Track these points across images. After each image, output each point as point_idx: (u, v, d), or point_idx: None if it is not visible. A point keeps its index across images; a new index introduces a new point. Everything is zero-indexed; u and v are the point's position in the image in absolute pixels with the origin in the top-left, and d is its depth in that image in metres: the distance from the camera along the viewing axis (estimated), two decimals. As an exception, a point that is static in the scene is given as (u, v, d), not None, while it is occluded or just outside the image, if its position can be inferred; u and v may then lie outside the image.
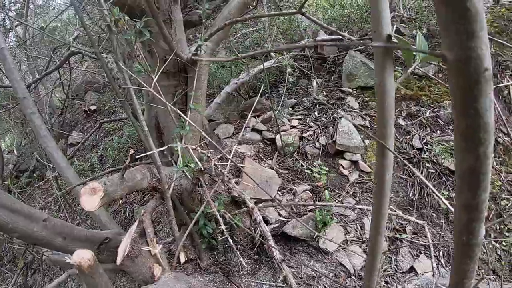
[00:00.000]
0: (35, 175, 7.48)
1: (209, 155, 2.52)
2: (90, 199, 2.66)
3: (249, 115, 2.98)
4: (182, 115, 2.07)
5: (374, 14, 0.93)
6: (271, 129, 4.11)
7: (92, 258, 1.34)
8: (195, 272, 3.60)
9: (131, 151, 2.76)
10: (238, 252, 2.55)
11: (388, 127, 1.02)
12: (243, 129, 3.13)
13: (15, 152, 8.91)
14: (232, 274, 3.50)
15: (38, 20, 9.18)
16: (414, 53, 1.03)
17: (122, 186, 2.88)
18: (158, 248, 2.72)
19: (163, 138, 3.81)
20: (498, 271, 3.94)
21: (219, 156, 2.99)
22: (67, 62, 6.42)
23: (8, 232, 2.52)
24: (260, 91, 3.85)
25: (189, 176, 3.15)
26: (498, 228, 4.15)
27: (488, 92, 0.63)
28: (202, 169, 2.79)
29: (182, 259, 3.03)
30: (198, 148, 2.54)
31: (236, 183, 3.60)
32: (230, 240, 2.63)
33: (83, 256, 1.33)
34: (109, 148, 5.97)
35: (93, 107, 8.37)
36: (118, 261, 2.99)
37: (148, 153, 2.57)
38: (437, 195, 1.33)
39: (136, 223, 3.37)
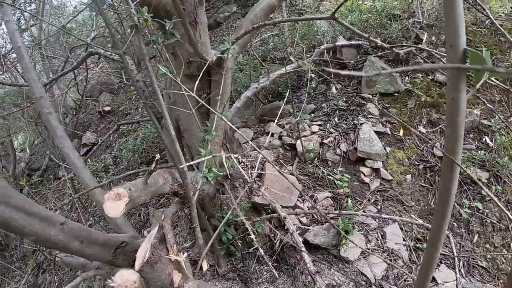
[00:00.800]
0: (47, 174, 7.52)
1: (241, 159, 2.50)
2: (115, 205, 2.63)
3: (275, 121, 2.95)
4: (221, 117, 2.04)
5: (450, 28, 0.90)
6: (290, 134, 4.07)
7: (138, 280, 1.31)
8: (213, 278, 3.57)
9: (157, 156, 2.75)
10: (265, 257, 2.51)
11: (458, 143, 1.00)
12: (269, 135, 3.10)
13: (28, 150, 8.98)
14: (250, 281, 3.47)
15: (54, 21, 9.25)
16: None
17: (145, 191, 2.86)
18: (183, 257, 2.69)
19: (183, 141, 3.79)
20: None
21: (242, 160, 2.97)
22: (84, 62, 6.45)
23: (24, 236, 2.50)
24: (286, 97, 3.82)
25: (212, 182, 3.12)
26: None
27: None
28: (228, 174, 2.76)
29: (205, 267, 3.00)
30: (229, 154, 2.51)
31: (264, 189, 3.57)
32: (261, 251, 2.60)
33: (127, 278, 1.30)
34: (124, 150, 5.97)
35: (107, 108, 8.40)
36: (137, 267, 2.96)
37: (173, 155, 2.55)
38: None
39: (156, 228, 3.34)
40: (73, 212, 6.02)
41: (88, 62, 8.61)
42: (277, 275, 2.72)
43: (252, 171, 2.70)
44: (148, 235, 3.24)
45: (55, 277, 5.38)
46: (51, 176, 7.30)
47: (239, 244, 3.43)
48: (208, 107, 2.54)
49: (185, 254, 2.84)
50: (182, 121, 3.65)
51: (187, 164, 3.35)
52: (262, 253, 2.46)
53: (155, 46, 3.22)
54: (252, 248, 3.27)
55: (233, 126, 2.77)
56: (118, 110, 7.96)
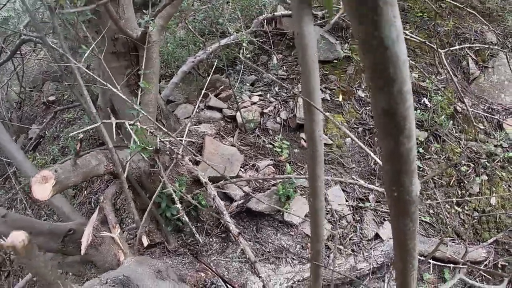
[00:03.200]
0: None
1: (158, 133, 2.46)
2: (42, 188, 2.55)
3: (202, 93, 2.92)
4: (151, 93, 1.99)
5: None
6: (231, 106, 4.06)
7: (27, 239, 1.29)
8: (163, 255, 3.56)
9: (80, 135, 2.66)
10: (193, 229, 2.52)
11: (312, 81, 0.98)
12: (196, 106, 3.07)
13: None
14: (200, 254, 3.49)
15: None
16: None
17: (75, 172, 2.78)
18: (116, 232, 2.66)
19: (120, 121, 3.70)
20: (463, 235, 4.11)
21: (174, 134, 2.93)
22: (19, 51, 6.11)
23: None
24: (214, 69, 3.77)
25: (145, 158, 3.08)
26: (459, 193, 4.31)
27: (393, 19, 0.54)
28: (156, 148, 2.73)
29: (145, 242, 2.98)
30: (149, 128, 2.48)
31: (197, 163, 3.56)
32: (186, 218, 2.61)
33: (17, 237, 1.27)
34: (69, 139, 5.77)
35: (51, 98, 8.02)
36: (82, 251, 2.92)
37: (93, 125, 2.47)
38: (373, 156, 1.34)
39: (96, 211, 3.29)
40: (27, 210, 5.79)
41: (25, 50, 8.17)
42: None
43: (181, 143, 2.67)
44: (90, 218, 3.18)
45: (20, 279, 5.19)
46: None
47: (185, 219, 3.42)
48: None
49: (118, 230, 2.81)
50: (115, 101, 3.55)
51: (122, 145, 3.28)
52: (187, 219, 2.46)
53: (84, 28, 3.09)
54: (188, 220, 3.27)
55: (161, 101, 2.72)
56: (63, 98, 7.63)
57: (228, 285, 3.29)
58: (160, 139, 2.73)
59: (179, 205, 2.35)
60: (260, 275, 2.15)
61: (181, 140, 2.48)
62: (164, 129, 2.48)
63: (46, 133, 7.04)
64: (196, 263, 3.49)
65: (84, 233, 2.85)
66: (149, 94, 3.31)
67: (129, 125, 2.81)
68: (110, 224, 3.14)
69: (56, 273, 1.47)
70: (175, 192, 3.12)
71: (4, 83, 7.77)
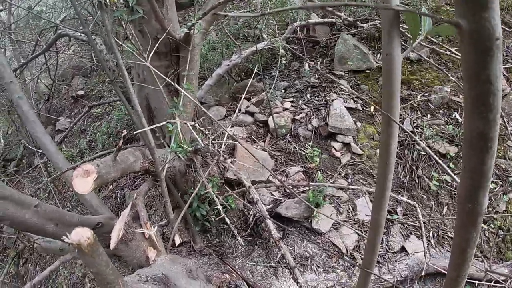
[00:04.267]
0: (22, 163, 7.36)
1: (206, 132, 2.51)
2: (83, 181, 2.63)
3: (242, 97, 2.96)
4: (183, 91, 2.05)
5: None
6: (263, 111, 4.10)
7: (92, 237, 1.33)
8: (189, 254, 3.62)
9: (124, 132, 2.73)
10: (235, 231, 2.56)
11: (394, 99, 1.03)
12: (236, 110, 3.11)
13: (1, 141, 8.72)
14: (226, 255, 3.53)
15: (22, 4, 8.90)
16: (420, 28, 1.03)
17: (115, 168, 2.85)
18: (153, 230, 2.72)
19: (155, 120, 3.77)
20: (487, 253, 4.05)
21: (213, 137, 2.98)
22: (54, 45, 6.26)
23: None
24: (253, 73, 3.82)
25: (182, 158, 3.13)
26: (486, 211, 4.25)
27: (499, 60, 0.66)
28: (196, 148, 2.78)
29: (177, 241, 3.04)
30: (194, 125, 2.52)
31: (231, 163, 3.60)
32: (227, 220, 2.64)
33: (82, 234, 1.31)
34: (98, 133, 5.89)
35: (80, 92, 8.21)
36: (112, 245, 2.98)
37: (140, 131, 2.54)
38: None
39: (129, 207, 3.35)
40: (51, 199, 5.93)
41: (59, 45, 8.37)
42: (241, 242, 2.77)
43: (219, 145, 2.72)
44: (122, 213, 3.25)
45: (37, 267, 5.32)
46: (27, 165, 7.15)
47: (213, 220, 3.46)
48: (173, 83, 2.53)
49: (155, 227, 2.86)
50: (152, 100, 3.62)
51: (156, 142, 3.35)
52: (229, 222, 2.50)
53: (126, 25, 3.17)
54: (224, 223, 3.31)
55: (196, 102, 2.77)
56: (92, 93, 7.80)
57: (252, 288, 3.32)
58: (200, 140, 2.77)
59: (219, 206, 2.38)
60: (298, 281, 2.17)
61: (221, 143, 2.53)
62: (204, 130, 2.53)
63: (74, 126, 7.19)
64: (221, 265, 3.53)
65: (114, 227, 2.90)
66: (189, 95, 3.38)
67: (170, 123, 2.88)
68: (142, 221, 3.20)
69: (117, 273, 1.51)
70: (211, 193, 3.18)
71: (36, 76, 7.97)
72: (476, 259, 3.99)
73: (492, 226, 4.20)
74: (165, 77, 3.06)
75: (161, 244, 2.84)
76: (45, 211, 2.96)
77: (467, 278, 2.96)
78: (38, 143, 3.87)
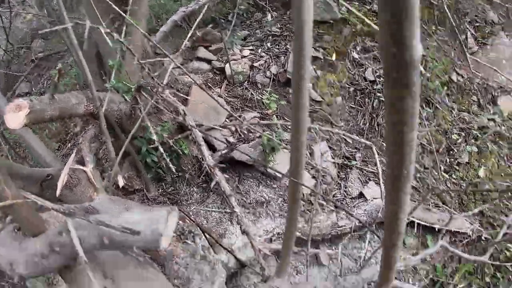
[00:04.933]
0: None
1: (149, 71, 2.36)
2: (15, 116, 2.46)
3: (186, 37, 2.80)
4: (126, 16, 1.88)
5: None
6: (221, 59, 3.95)
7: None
8: (142, 202, 3.50)
9: (59, 65, 2.55)
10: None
11: (305, 37, 0.93)
12: (182, 45, 2.95)
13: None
14: (180, 203, 3.43)
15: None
16: None
17: (52, 106, 2.68)
18: (90, 167, 2.57)
19: (105, 68, 3.59)
20: (448, 203, 4.09)
21: (157, 73, 2.82)
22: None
23: None
24: (212, 22, 3.65)
25: (127, 99, 2.98)
26: (448, 161, 4.27)
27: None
28: (139, 85, 2.62)
29: (121, 182, 2.89)
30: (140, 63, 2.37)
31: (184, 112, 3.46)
32: (171, 166, 2.53)
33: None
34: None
35: (40, 55, 7.82)
36: (58, 192, 2.84)
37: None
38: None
39: (74, 152, 3.20)
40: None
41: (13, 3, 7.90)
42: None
43: (162, 81, 2.57)
44: (68, 160, 3.09)
45: None
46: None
47: (165, 166, 3.34)
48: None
49: (92, 165, 2.72)
50: (101, 45, 3.43)
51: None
52: (171, 166, 2.38)
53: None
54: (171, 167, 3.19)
55: (141, 31, 2.60)
56: (52, 56, 7.44)
57: (206, 234, 3.24)
58: (143, 77, 2.63)
59: (161, 149, 2.26)
60: (235, 209, 2.08)
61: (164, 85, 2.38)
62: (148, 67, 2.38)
63: (34, 90, 6.87)
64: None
65: (60, 176, 2.76)
66: (135, 34, 3.19)
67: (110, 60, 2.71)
68: (87, 164, 3.05)
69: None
70: (157, 134, 3.04)
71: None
72: (438, 208, 4.03)
73: (454, 176, 4.23)
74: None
75: (100, 184, 2.70)
76: None
77: (429, 225, 2.90)
78: None
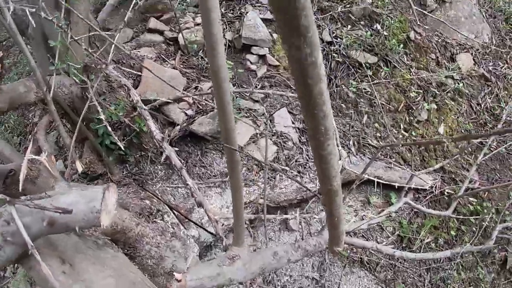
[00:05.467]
0: None
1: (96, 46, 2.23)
2: None
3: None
4: None
5: None
6: (173, 29, 3.79)
7: None
8: (106, 186, 3.43)
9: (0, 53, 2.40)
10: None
11: None
12: (125, 17, 2.78)
13: None
14: (146, 183, 3.39)
15: None
16: None
17: (0, 98, 2.57)
18: (44, 156, 2.47)
19: (54, 50, 3.39)
20: (410, 161, 4.20)
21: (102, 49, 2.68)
22: None
23: None
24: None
25: (77, 81, 2.85)
26: (408, 120, 4.34)
27: None
28: (85, 64, 2.50)
29: (79, 167, 2.81)
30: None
31: (136, 88, 3.35)
32: (120, 145, 2.46)
33: None
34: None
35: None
36: (20, 187, 2.73)
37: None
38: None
39: (30, 143, 3.07)
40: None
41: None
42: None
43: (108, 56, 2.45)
44: (26, 152, 2.96)
45: None
46: None
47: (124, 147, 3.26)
48: None
49: (46, 153, 2.63)
50: (46, 27, 3.22)
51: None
52: (122, 146, 2.32)
53: None
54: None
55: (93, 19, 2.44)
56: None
57: (174, 211, 3.24)
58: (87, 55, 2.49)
59: (109, 128, 2.18)
60: (187, 183, 2.06)
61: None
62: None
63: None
64: (141, 192, 3.39)
65: (21, 169, 2.64)
66: (78, 8, 3.00)
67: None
68: (42, 154, 2.94)
69: None
70: (111, 115, 2.95)
71: None
72: (399, 167, 4.13)
73: (414, 134, 4.32)
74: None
75: (57, 172, 2.61)
76: None
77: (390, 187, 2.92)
78: None
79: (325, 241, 2.36)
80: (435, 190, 3.93)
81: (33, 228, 1.36)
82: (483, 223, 3.75)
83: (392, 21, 4.41)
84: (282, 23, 0.61)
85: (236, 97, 3.37)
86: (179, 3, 3.83)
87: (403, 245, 3.76)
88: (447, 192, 4.06)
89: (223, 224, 3.03)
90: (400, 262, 3.71)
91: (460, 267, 3.87)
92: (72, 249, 1.75)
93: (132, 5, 2.72)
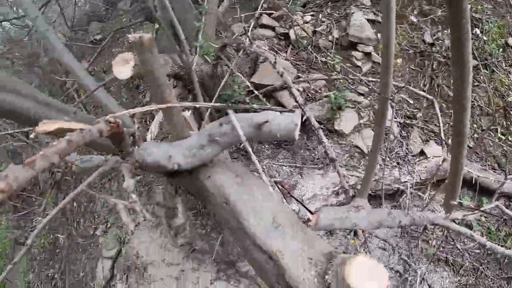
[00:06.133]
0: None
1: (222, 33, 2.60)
2: (123, 68, 2.77)
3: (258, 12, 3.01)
4: None
5: None
6: (284, 25, 4.15)
7: (151, 37, 1.47)
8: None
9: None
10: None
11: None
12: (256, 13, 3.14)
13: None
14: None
15: None
16: None
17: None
18: (188, 113, 2.88)
19: (180, 36, 3.87)
20: (504, 166, 4.12)
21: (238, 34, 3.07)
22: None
23: None
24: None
25: (208, 60, 3.25)
26: (505, 124, 4.29)
27: None
28: (223, 44, 2.88)
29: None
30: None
31: (251, 75, 3.71)
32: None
33: (142, 34, 1.45)
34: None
35: (98, 37, 8.27)
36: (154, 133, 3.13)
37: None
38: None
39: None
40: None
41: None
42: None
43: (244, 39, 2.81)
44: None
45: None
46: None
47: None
48: None
49: (190, 111, 3.03)
50: (176, 12, 3.71)
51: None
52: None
53: None
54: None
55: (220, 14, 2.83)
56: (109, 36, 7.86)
57: (279, 185, 3.51)
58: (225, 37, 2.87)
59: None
60: (322, 140, 2.31)
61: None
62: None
63: (96, 68, 7.32)
64: (249, 165, 3.70)
65: (155, 120, 3.06)
66: (210, 3, 3.45)
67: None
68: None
69: (165, 78, 1.65)
70: (233, 93, 3.32)
71: (53, 22, 8.04)
72: (494, 170, 4.09)
73: (510, 138, 4.25)
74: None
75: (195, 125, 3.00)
76: (82, 116, 3.14)
77: (485, 186, 3.00)
78: (69, 69, 3.99)
79: (427, 218, 2.48)
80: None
81: (245, 129, 1.68)
82: None
83: (492, 25, 4.42)
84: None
85: (343, 89, 3.61)
86: (289, 4, 4.18)
87: (488, 252, 3.72)
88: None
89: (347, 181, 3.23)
90: (484, 268, 3.68)
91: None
92: (242, 170, 2.08)
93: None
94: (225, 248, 3.51)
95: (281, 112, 1.74)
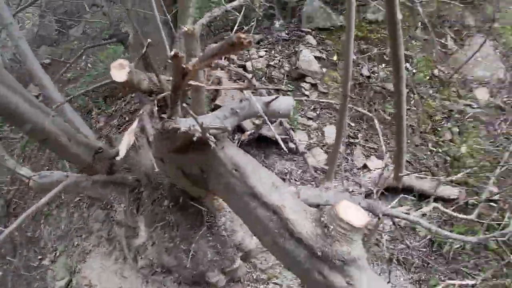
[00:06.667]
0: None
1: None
2: (120, 72, 2.95)
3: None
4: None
5: None
6: (240, 58, 4.66)
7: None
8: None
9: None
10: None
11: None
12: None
13: None
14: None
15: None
16: None
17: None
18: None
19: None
20: (437, 174, 4.78)
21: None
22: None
23: (20, 123, 2.63)
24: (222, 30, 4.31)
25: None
26: (434, 139, 4.97)
27: None
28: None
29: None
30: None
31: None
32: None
33: (192, 26, 1.87)
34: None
35: (47, 61, 8.17)
36: (123, 151, 3.25)
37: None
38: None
39: (135, 122, 3.71)
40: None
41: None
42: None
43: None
44: (131, 127, 3.59)
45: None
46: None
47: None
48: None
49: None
50: (150, 36, 4.04)
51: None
52: None
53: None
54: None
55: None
56: (60, 60, 7.84)
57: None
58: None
59: None
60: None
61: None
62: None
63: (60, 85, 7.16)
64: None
65: (124, 138, 3.21)
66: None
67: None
68: (148, 134, 3.57)
69: None
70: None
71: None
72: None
73: (440, 151, 4.88)
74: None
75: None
76: (60, 122, 3.06)
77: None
78: (36, 79, 4.03)
79: (380, 208, 2.88)
80: (460, 201, 4.42)
81: (257, 104, 2.10)
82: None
83: (420, 59, 5.25)
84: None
85: (295, 114, 4.12)
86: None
87: (434, 249, 4.25)
88: (471, 203, 4.50)
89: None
90: (432, 260, 4.14)
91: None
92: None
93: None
94: (195, 258, 3.70)
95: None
